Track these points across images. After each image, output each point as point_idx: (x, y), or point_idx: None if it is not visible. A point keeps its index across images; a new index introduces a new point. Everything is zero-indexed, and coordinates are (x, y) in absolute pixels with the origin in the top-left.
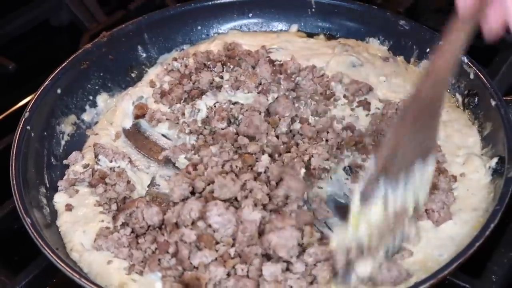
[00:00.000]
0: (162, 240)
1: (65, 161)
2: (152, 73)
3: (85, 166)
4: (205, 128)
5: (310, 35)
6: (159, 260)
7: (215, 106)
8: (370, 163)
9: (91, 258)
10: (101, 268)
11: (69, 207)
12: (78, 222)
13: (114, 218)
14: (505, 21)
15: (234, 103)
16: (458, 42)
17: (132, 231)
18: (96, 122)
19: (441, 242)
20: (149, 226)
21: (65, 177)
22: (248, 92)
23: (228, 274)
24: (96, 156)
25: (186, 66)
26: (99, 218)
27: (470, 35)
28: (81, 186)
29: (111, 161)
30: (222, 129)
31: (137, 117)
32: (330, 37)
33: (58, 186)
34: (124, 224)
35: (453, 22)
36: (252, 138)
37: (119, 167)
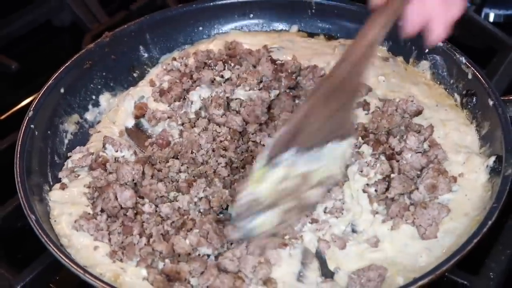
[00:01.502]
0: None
1: (69, 154)
2: (154, 72)
3: (88, 154)
4: (198, 119)
5: (310, 35)
6: (134, 245)
7: (211, 96)
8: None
9: (78, 242)
10: (88, 254)
11: (63, 186)
12: (66, 203)
13: (93, 204)
14: (423, 20)
15: (233, 99)
16: (374, 32)
17: (109, 217)
18: (99, 121)
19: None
20: (121, 208)
21: (64, 167)
22: (249, 89)
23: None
24: (103, 145)
25: (186, 65)
26: (85, 202)
27: (387, 27)
28: (82, 171)
29: (116, 151)
30: (220, 116)
31: (137, 117)
32: (330, 37)
33: (60, 178)
34: (102, 210)
35: (373, 13)
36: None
37: (123, 156)
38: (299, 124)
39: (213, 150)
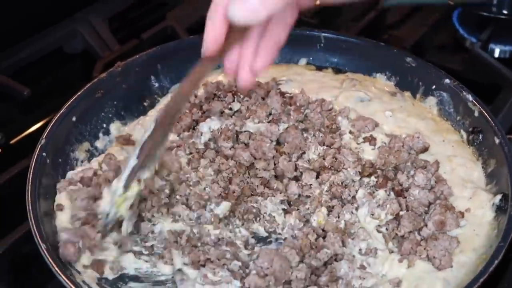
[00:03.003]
0: None
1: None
2: (164, 102)
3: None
4: (206, 150)
5: (319, 68)
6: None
7: (221, 128)
8: (132, 161)
9: None
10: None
11: (60, 207)
12: None
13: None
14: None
15: (242, 132)
16: (200, 75)
17: None
18: (108, 149)
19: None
20: None
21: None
22: (258, 122)
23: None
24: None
25: (195, 96)
26: None
27: (211, 70)
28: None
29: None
30: (228, 148)
31: None
32: (338, 71)
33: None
34: None
35: (201, 60)
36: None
37: None
38: (149, 154)
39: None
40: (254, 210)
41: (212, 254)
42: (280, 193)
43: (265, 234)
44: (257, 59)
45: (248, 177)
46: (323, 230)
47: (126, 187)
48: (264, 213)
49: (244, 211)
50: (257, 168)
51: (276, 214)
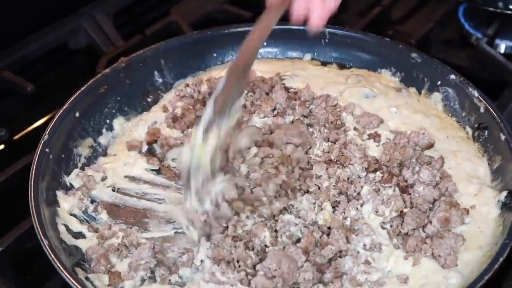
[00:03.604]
0: None
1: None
2: (167, 98)
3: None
4: None
5: (323, 63)
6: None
7: None
8: (207, 112)
9: None
10: None
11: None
12: None
13: None
14: (305, 13)
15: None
16: (267, 24)
17: None
18: (112, 145)
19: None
20: None
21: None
22: (264, 117)
23: None
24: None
25: (199, 91)
26: None
27: (278, 19)
28: None
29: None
30: None
31: (149, 143)
32: (342, 66)
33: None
34: None
35: (267, 9)
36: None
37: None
38: (223, 102)
39: None
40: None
41: (235, 254)
42: None
43: None
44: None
45: None
46: (328, 228)
47: (204, 137)
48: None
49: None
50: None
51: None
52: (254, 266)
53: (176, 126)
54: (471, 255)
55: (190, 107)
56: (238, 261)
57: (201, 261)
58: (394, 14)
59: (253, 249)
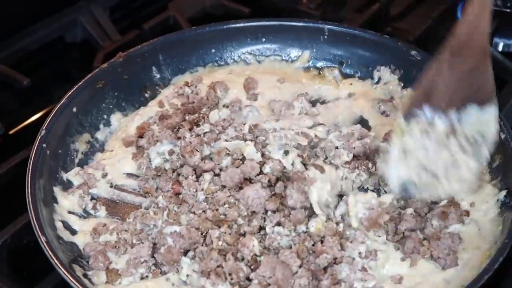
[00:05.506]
0: None
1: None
2: (165, 93)
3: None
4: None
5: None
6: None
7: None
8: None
9: None
10: None
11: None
12: None
13: None
14: None
15: None
16: None
17: None
18: (109, 141)
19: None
20: None
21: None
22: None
23: None
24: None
25: (197, 93)
26: None
27: None
28: None
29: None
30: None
31: (139, 136)
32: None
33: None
34: None
35: None
36: None
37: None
38: (429, 84)
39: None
40: None
41: (226, 267)
42: None
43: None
44: None
45: None
46: (322, 237)
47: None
48: None
49: None
50: None
51: None
52: (247, 278)
53: (160, 124)
54: (470, 255)
55: (180, 109)
56: (230, 274)
57: (187, 275)
58: (392, 11)
59: (243, 259)
